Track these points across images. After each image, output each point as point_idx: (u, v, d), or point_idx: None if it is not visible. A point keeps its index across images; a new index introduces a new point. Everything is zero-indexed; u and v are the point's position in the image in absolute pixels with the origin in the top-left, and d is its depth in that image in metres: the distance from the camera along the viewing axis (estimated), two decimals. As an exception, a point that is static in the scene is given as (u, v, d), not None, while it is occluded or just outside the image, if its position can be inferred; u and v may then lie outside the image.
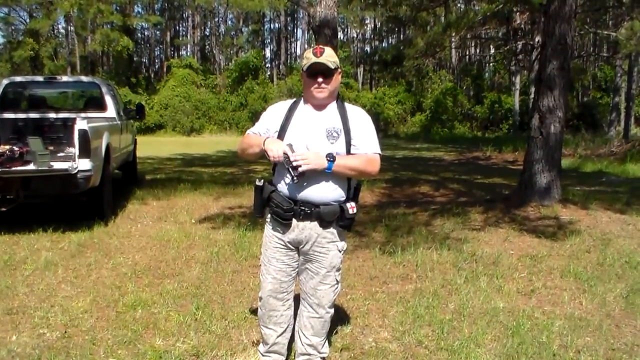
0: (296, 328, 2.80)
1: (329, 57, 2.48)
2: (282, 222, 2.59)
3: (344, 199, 2.59)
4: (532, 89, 19.73)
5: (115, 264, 4.77)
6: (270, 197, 2.59)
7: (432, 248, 5.27)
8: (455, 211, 6.97)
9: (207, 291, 4.09)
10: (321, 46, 2.56)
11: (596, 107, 31.95)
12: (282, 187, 2.57)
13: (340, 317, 3.53)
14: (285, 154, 2.40)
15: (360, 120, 2.60)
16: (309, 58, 2.49)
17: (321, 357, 2.79)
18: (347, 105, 2.64)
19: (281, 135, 2.57)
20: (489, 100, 33.20)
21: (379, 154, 2.61)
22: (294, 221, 2.57)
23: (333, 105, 2.60)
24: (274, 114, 2.65)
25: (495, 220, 6.56)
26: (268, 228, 2.70)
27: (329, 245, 2.61)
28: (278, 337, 2.76)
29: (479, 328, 3.44)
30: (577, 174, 11.94)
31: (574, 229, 6.06)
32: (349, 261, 4.87)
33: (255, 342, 3.13)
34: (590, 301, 3.97)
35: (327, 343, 2.84)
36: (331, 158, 2.45)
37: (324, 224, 2.57)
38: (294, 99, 2.68)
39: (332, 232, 2.60)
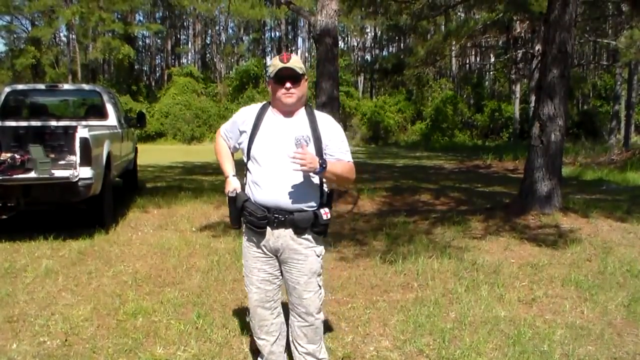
0: (290, 339, 2.79)
1: (296, 62, 2.51)
2: (256, 231, 2.60)
3: (317, 205, 2.60)
4: (533, 97, 19.75)
5: (115, 272, 4.76)
6: (243, 207, 2.60)
7: (433, 257, 5.26)
8: (456, 220, 6.96)
9: (207, 299, 4.09)
10: (287, 53, 2.62)
11: (596, 115, 31.96)
12: (256, 195, 2.58)
13: (341, 326, 3.52)
14: (235, 192, 2.64)
15: (332, 130, 2.62)
16: (276, 65, 2.51)
17: (321, 363, 2.78)
18: (317, 112, 2.66)
19: (250, 143, 2.59)
20: (489, 109, 33.23)
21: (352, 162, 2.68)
22: (268, 229, 2.58)
23: (302, 112, 2.61)
24: (245, 118, 2.66)
25: (495, 228, 6.56)
26: (244, 238, 2.72)
27: (306, 251, 2.62)
28: (272, 345, 2.77)
29: (480, 337, 3.43)
30: (578, 182, 11.94)
31: (575, 237, 6.06)
32: (350, 270, 4.87)
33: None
34: (591, 310, 3.96)
35: (324, 348, 2.82)
36: (323, 164, 2.46)
37: (299, 231, 2.58)
38: (263, 103, 2.68)
39: (307, 239, 2.61)
